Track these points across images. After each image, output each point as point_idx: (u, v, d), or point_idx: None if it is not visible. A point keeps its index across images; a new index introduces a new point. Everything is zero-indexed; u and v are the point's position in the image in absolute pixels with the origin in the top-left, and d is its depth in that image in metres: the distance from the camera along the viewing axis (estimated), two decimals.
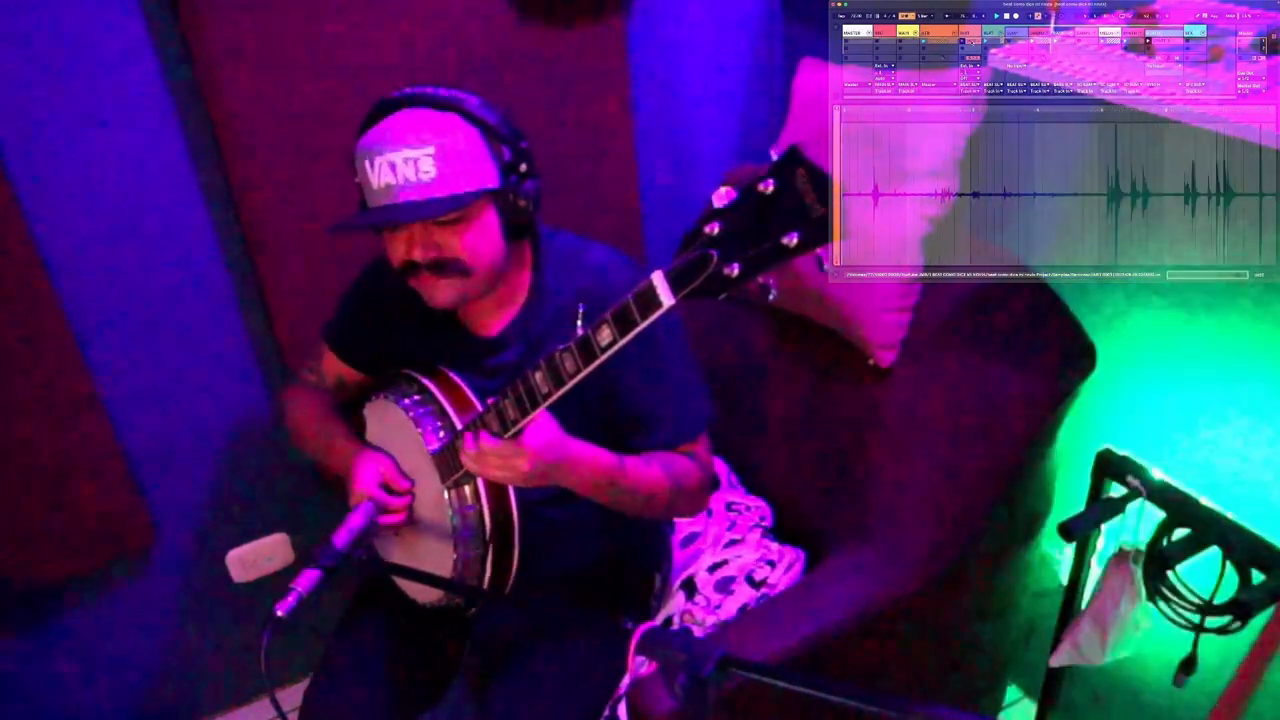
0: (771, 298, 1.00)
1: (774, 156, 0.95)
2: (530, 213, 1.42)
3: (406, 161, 1.30)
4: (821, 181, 0.93)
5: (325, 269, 1.79)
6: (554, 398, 1.23)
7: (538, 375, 1.23)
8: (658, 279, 1.04)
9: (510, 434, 1.30)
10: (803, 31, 2.11)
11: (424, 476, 1.49)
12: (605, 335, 1.13)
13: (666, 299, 1.04)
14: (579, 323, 1.17)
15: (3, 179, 1.64)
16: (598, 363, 1.16)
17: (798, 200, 0.94)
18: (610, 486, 1.42)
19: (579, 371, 1.18)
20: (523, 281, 1.51)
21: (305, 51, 1.72)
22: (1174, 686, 1.53)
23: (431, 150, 1.31)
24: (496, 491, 1.44)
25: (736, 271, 0.98)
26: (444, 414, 1.46)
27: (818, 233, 0.94)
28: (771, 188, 0.95)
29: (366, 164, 1.33)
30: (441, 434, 1.46)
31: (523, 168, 1.40)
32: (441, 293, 1.41)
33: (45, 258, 1.73)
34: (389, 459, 1.53)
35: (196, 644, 2.22)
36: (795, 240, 0.95)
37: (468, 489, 1.44)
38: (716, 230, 0.98)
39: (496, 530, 1.45)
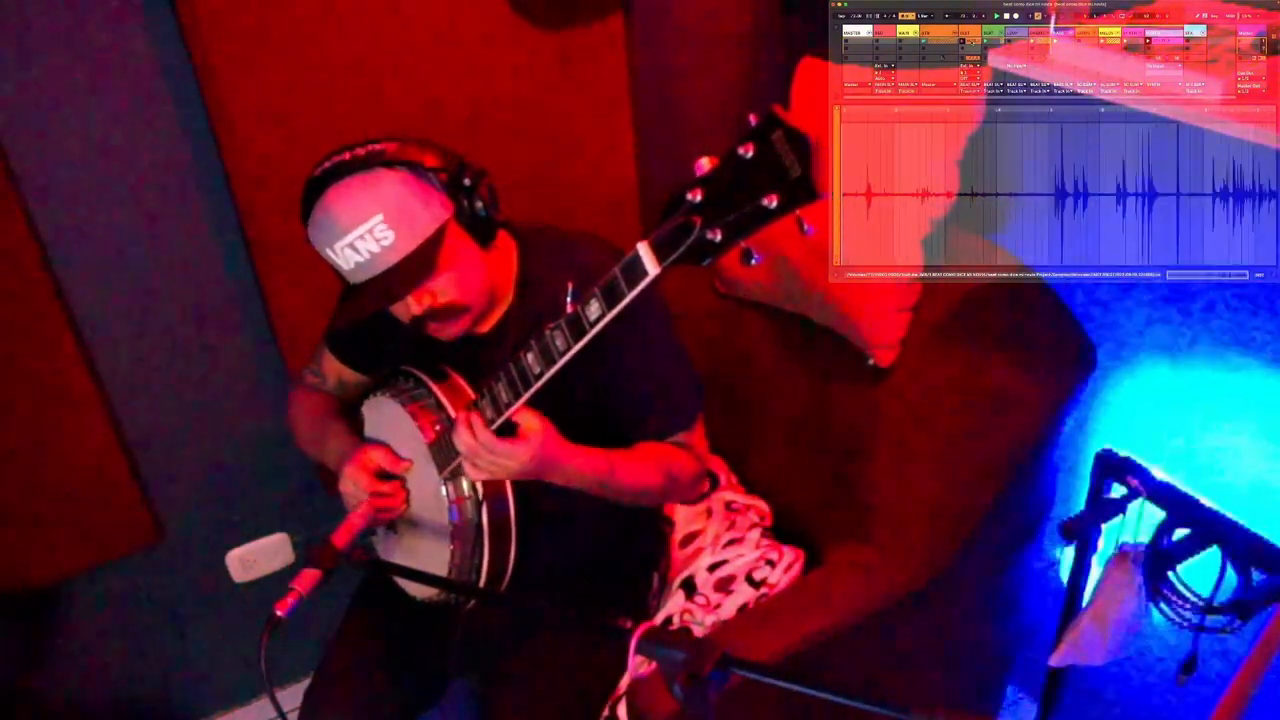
0: (754, 262, 1.00)
1: (753, 122, 0.94)
2: (490, 209, 1.41)
3: (364, 237, 1.32)
4: (800, 142, 0.92)
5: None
6: (546, 378, 1.24)
7: (529, 356, 1.24)
8: (642, 248, 1.05)
9: (502, 419, 1.30)
10: (803, 31, 2.10)
11: (421, 469, 1.49)
12: (594, 310, 1.13)
13: (652, 268, 1.04)
14: (568, 299, 1.17)
15: (4, 176, 1.64)
16: (587, 338, 1.16)
17: (777, 162, 0.93)
18: (600, 486, 1.43)
19: (569, 349, 1.19)
20: (509, 276, 1.51)
21: (304, 49, 1.72)
22: (1174, 686, 1.53)
23: (380, 216, 1.32)
24: (493, 482, 1.44)
25: (719, 237, 0.98)
26: (440, 406, 1.45)
27: (797, 193, 0.94)
28: (751, 152, 0.94)
29: (329, 253, 1.36)
30: (438, 426, 1.45)
31: (466, 180, 1.38)
32: (450, 331, 1.44)
33: (47, 257, 1.74)
34: (385, 448, 1.53)
35: (196, 644, 2.22)
36: (775, 202, 0.94)
37: (465, 481, 1.44)
38: (699, 197, 0.98)
39: (493, 521, 1.44)
